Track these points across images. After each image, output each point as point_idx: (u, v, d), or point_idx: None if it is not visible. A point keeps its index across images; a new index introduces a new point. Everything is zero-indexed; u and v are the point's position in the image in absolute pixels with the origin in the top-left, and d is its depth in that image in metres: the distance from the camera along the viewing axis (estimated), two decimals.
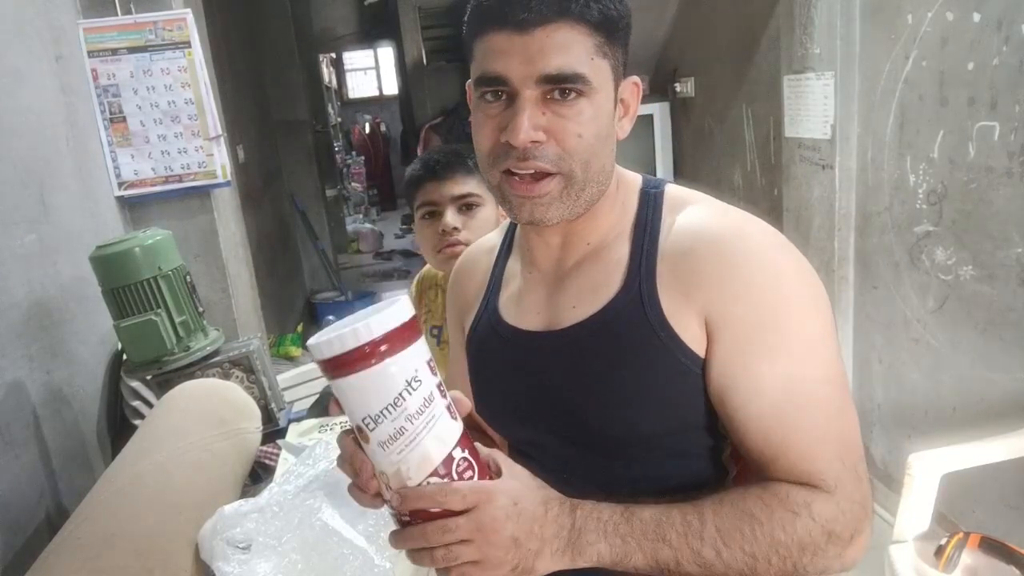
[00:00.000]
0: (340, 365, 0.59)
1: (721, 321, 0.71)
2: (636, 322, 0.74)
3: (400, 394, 0.60)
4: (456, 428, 0.64)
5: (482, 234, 1.21)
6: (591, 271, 0.80)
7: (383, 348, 0.59)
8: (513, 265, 0.91)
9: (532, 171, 0.72)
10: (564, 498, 0.69)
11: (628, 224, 0.80)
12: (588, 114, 0.71)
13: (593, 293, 0.78)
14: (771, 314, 0.70)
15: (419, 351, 0.62)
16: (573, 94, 0.70)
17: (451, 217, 1.30)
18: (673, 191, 0.82)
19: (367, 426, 0.60)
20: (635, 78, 0.78)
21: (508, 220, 0.96)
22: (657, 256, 0.76)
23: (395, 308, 0.61)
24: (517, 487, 0.66)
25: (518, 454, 0.90)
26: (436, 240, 1.32)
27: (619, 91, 0.76)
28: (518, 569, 0.64)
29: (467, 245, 1.29)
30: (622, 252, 0.78)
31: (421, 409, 0.61)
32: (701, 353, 0.73)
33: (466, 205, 1.32)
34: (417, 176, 1.35)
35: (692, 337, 0.72)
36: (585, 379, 0.77)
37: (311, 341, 0.60)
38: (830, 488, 0.68)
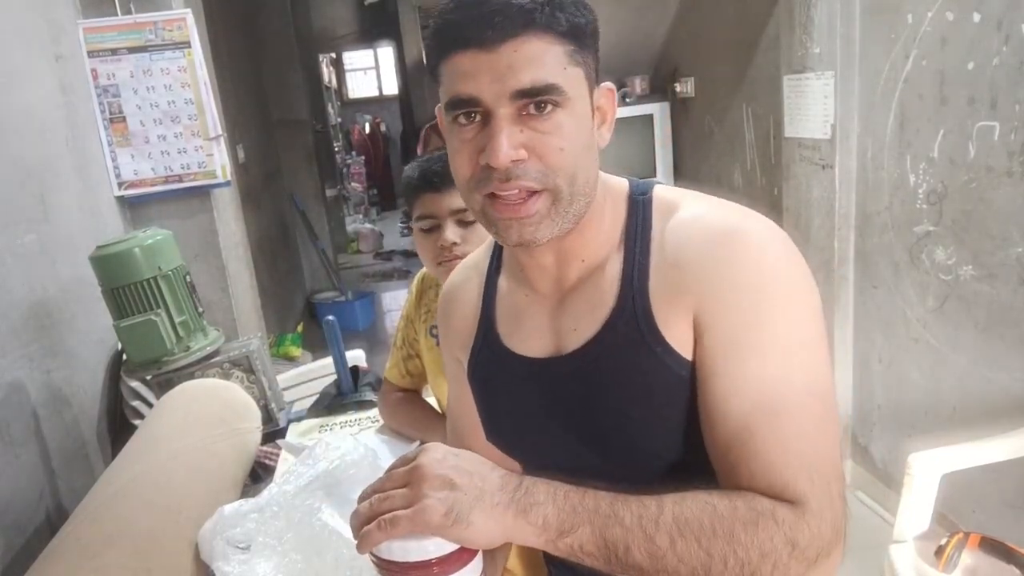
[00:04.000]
0: (408, 570, 0.62)
1: (706, 321, 0.69)
2: (633, 340, 0.72)
3: None
4: None
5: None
6: (588, 290, 0.78)
7: (458, 561, 0.63)
8: (505, 284, 0.87)
9: (516, 191, 0.69)
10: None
11: (618, 235, 0.77)
12: (568, 126, 0.68)
13: (591, 314, 0.76)
14: (755, 314, 0.67)
15: (478, 563, 0.66)
16: (549, 106, 0.67)
17: (451, 232, 1.28)
18: (661, 194, 0.78)
19: None
20: (608, 84, 0.75)
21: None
22: (650, 267, 0.74)
23: None
24: (463, 451, 0.67)
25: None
26: (436, 253, 1.30)
27: (594, 99, 0.73)
28: (452, 514, 0.61)
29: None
30: (615, 266, 0.76)
31: None
32: (690, 358, 0.71)
33: (466, 219, 1.28)
34: (415, 185, 1.32)
35: (683, 343, 0.71)
36: (594, 402, 0.76)
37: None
38: (795, 501, 0.64)
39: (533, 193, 0.69)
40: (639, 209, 0.77)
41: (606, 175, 0.80)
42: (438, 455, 0.65)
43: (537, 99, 0.67)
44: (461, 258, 1.29)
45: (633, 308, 0.73)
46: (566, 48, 0.68)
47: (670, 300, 0.71)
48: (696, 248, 0.71)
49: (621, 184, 0.81)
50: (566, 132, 0.68)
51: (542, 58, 0.66)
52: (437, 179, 1.28)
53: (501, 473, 0.65)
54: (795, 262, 0.71)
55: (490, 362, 0.86)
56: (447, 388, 1.00)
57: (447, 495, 0.61)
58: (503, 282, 0.88)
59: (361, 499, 0.66)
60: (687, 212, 0.75)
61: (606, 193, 0.78)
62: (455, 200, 1.27)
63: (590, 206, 0.74)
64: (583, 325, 0.77)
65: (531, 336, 0.82)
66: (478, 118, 0.69)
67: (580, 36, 0.69)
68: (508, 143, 0.67)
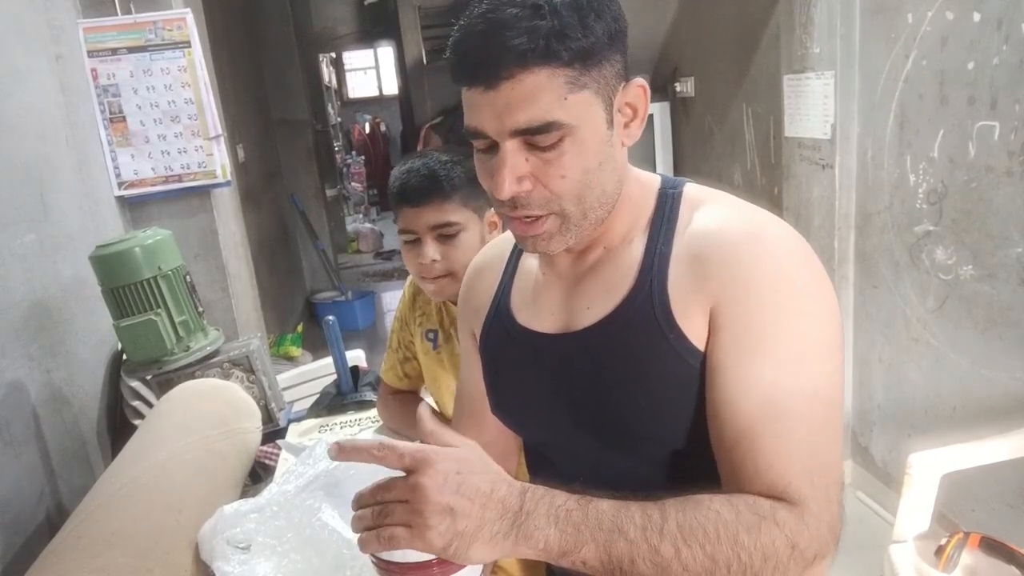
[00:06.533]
0: (408, 571, 0.64)
1: (723, 318, 0.70)
2: (646, 323, 0.74)
3: None
4: None
5: (466, 260, 1.09)
6: (606, 272, 0.80)
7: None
8: (528, 261, 0.90)
9: (522, 216, 0.74)
10: (515, 481, 0.66)
11: (644, 224, 0.79)
12: (571, 154, 0.70)
13: (607, 294, 0.78)
14: (772, 318, 0.69)
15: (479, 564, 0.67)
16: (550, 140, 0.69)
17: (430, 249, 1.24)
18: (692, 190, 0.80)
19: None
20: (640, 80, 0.75)
21: None
22: (671, 255, 0.75)
23: None
24: (465, 458, 0.65)
25: (535, 454, 0.91)
26: (417, 267, 1.28)
27: (621, 98, 0.73)
28: (451, 548, 0.60)
29: (449, 275, 1.24)
30: (637, 252, 0.78)
31: None
32: (703, 349, 0.72)
33: (445, 234, 1.24)
34: (395, 198, 1.27)
35: (697, 335, 0.72)
36: (600, 382, 0.77)
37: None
38: (795, 503, 0.65)
39: (540, 217, 0.73)
40: (667, 201, 0.79)
41: (638, 171, 0.82)
42: (439, 478, 0.62)
43: (536, 136, 0.69)
44: (443, 275, 1.26)
45: (650, 292, 0.74)
46: (569, 75, 0.68)
47: (689, 290, 0.72)
48: (720, 243, 0.72)
49: (652, 179, 0.83)
50: (568, 160, 0.70)
51: (540, 95, 0.67)
52: (415, 195, 1.23)
53: (502, 495, 0.63)
54: (816, 270, 0.73)
55: (499, 335, 0.88)
56: (459, 370, 1.00)
57: (447, 527, 0.60)
58: (524, 260, 0.91)
59: (358, 503, 0.65)
60: (715, 208, 0.76)
61: (635, 186, 0.80)
62: (433, 215, 1.23)
63: (609, 212, 0.77)
64: (597, 304, 0.79)
65: (543, 312, 0.84)
66: (490, 145, 0.72)
67: (588, 56, 0.68)
68: (511, 177, 0.70)
